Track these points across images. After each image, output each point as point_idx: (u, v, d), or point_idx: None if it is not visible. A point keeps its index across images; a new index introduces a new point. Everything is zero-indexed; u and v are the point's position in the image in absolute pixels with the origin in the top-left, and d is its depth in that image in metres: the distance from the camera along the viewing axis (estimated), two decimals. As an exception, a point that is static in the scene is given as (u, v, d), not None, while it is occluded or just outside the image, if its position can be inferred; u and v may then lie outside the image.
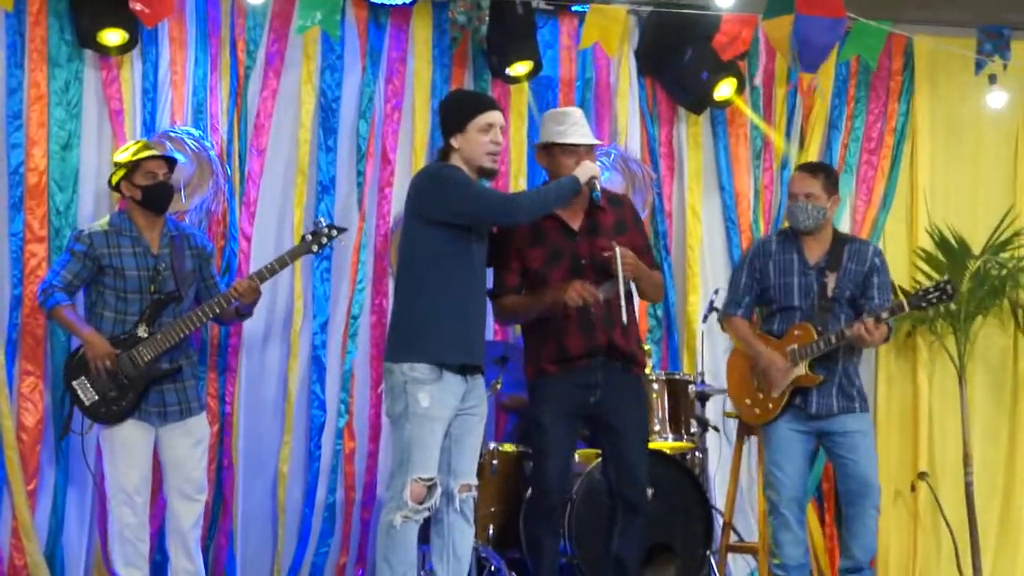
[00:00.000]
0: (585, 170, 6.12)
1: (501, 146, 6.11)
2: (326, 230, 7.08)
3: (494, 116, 6.07)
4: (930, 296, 6.89)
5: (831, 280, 6.86)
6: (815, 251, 6.94)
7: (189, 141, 7.64)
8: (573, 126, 6.43)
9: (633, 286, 6.43)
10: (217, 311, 6.88)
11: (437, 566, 6.02)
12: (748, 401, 7.02)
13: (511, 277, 6.37)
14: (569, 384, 6.34)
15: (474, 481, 6.11)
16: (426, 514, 5.90)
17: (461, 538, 6.03)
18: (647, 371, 7.43)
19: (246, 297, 6.91)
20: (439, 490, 5.91)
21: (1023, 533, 9.13)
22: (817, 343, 6.76)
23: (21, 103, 7.47)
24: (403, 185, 8.08)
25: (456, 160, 6.05)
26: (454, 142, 6.06)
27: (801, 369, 6.80)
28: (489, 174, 6.11)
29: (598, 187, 6.19)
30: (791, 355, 6.81)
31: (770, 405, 6.89)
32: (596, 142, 6.53)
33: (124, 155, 6.93)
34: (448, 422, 5.94)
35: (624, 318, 6.26)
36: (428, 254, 5.96)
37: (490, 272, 6.31)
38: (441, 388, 5.88)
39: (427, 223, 5.97)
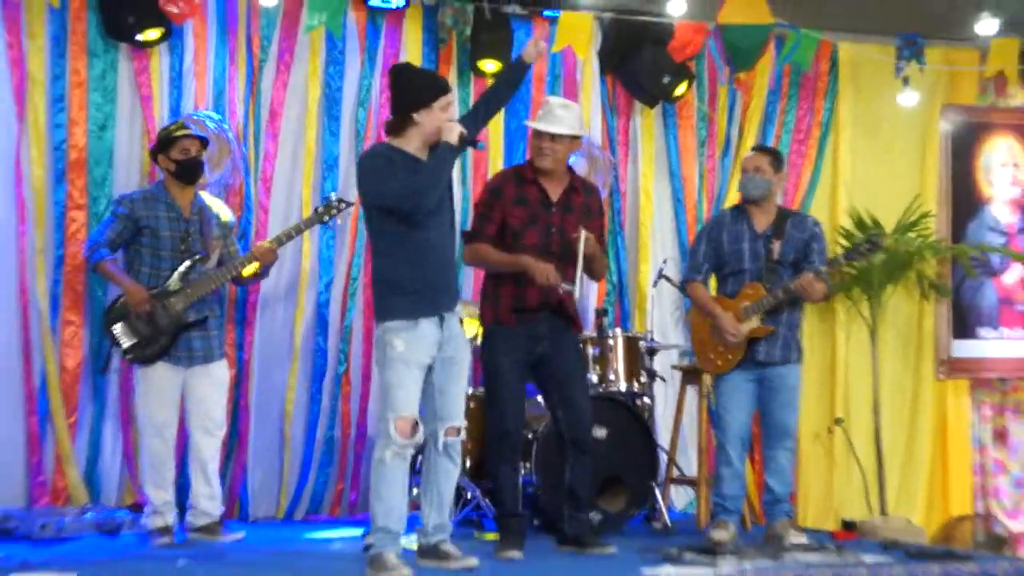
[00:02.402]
0: (451, 132, 5.77)
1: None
2: (337, 203, 7.15)
3: (451, 96, 5.88)
4: (862, 249, 7.03)
5: (776, 246, 6.91)
6: (762, 221, 7.00)
7: (209, 123, 7.68)
8: (546, 115, 6.54)
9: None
10: (240, 269, 6.97)
11: (423, 502, 5.95)
12: (711, 355, 7.04)
13: (491, 227, 6.45)
14: (521, 334, 6.44)
15: (460, 423, 5.92)
16: (412, 449, 5.75)
17: (446, 478, 5.91)
18: (595, 332, 7.65)
19: (265, 259, 7.00)
20: (422, 427, 5.77)
21: (923, 472, 9.29)
22: (767, 298, 6.82)
23: (64, 88, 7.51)
24: (397, 164, 8.25)
25: (413, 132, 5.81)
26: (416, 116, 5.79)
27: (755, 322, 6.86)
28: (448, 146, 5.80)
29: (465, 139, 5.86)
30: (744, 311, 6.86)
31: (729, 356, 6.93)
32: (554, 130, 6.46)
33: (164, 132, 6.99)
34: (425, 366, 5.79)
35: (576, 291, 6.40)
36: (376, 227, 5.89)
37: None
38: (416, 335, 5.72)
39: (367, 205, 5.94)
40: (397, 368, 5.72)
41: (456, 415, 5.91)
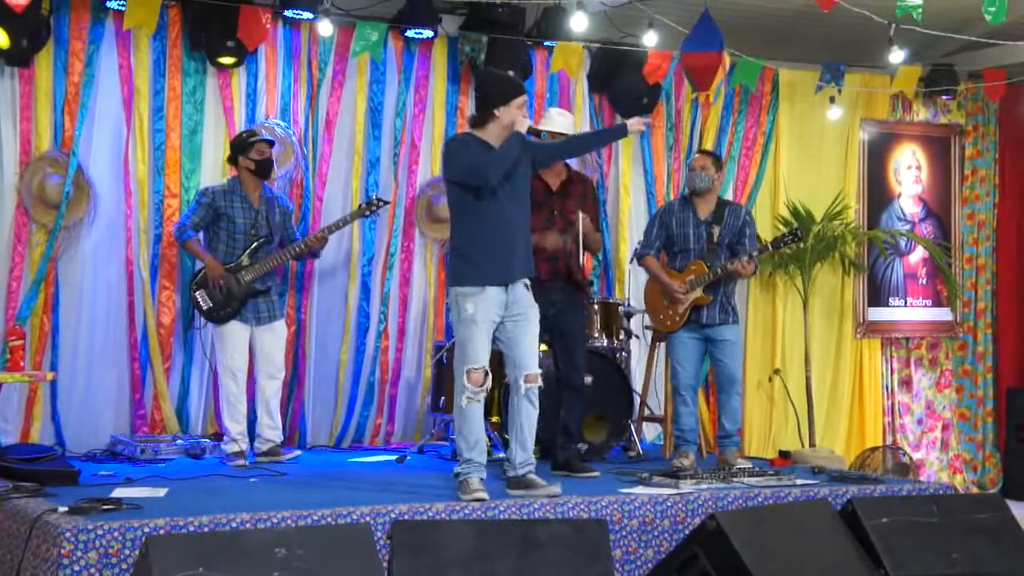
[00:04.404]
0: (522, 124, 5.58)
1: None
2: (377, 202, 7.14)
3: (524, 97, 5.64)
4: (786, 239, 6.97)
5: (716, 230, 6.84)
6: (704, 210, 6.91)
7: (277, 129, 7.61)
8: (547, 120, 6.63)
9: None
10: (297, 251, 6.96)
11: (510, 440, 5.68)
12: (661, 316, 7.01)
13: None
14: (538, 302, 6.23)
15: (536, 370, 5.63)
16: (484, 395, 5.53)
17: (527, 418, 5.64)
18: (590, 296, 7.54)
19: (317, 244, 7.00)
20: (489, 376, 5.51)
21: (844, 412, 9.30)
22: (707, 274, 6.77)
23: (163, 100, 7.43)
24: (426, 164, 8.17)
25: (492, 125, 5.60)
26: (498, 112, 5.58)
27: (698, 292, 6.80)
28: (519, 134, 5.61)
29: (530, 128, 5.78)
30: (690, 283, 6.79)
31: (677, 318, 6.88)
32: (551, 128, 6.49)
33: (242, 138, 6.95)
34: (494, 324, 5.56)
35: (580, 259, 6.43)
36: (455, 203, 5.67)
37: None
38: (483, 298, 5.50)
39: (448, 180, 5.74)
40: (468, 327, 5.50)
41: (531, 363, 5.61)
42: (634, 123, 5.93)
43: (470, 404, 5.52)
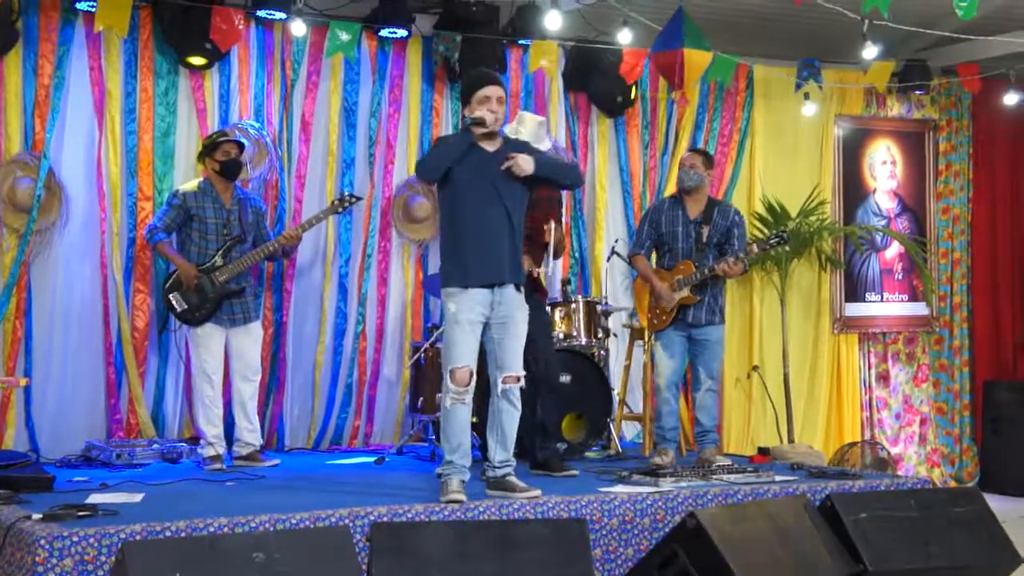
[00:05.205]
0: (472, 113, 5.51)
1: (498, 112, 5.52)
2: (349, 198, 7.12)
3: (489, 90, 5.53)
4: (772, 242, 7.00)
5: (705, 230, 6.85)
6: (694, 209, 6.92)
7: (251, 130, 7.57)
8: (519, 128, 6.58)
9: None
10: (270, 251, 6.92)
11: (489, 440, 5.63)
12: (649, 315, 7.00)
13: None
14: None
15: (519, 372, 5.58)
16: (469, 395, 5.45)
17: (507, 419, 5.59)
18: (561, 297, 7.55)
19: (291, 242, 6.97)
20: (474, 376, 5.44)
21: (822, 407, 9.33)
22: (695, 274, 6.77)
23: (135, 102, 7.37)
24: (402, 164, 8.14)
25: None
26: (465, 112, 5.60)
27: (685, 292, 6.80)
28: (488, 135, 5.54)
29: (481, 119, 5.45)
30: (677, 283, 6.80)
31: (664, 317, 6.88)
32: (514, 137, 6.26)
33: (211, 139, 6.94)
34: (479, 325, 5.49)
35: (548, 269, 6.47)
36: (437, 203, 5.61)
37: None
38: (467, 298, 5.44)
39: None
40: (452, 327, 5.47)
41: (513, 365, 5.56)
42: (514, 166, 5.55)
43: (455, 405, 5.48)
